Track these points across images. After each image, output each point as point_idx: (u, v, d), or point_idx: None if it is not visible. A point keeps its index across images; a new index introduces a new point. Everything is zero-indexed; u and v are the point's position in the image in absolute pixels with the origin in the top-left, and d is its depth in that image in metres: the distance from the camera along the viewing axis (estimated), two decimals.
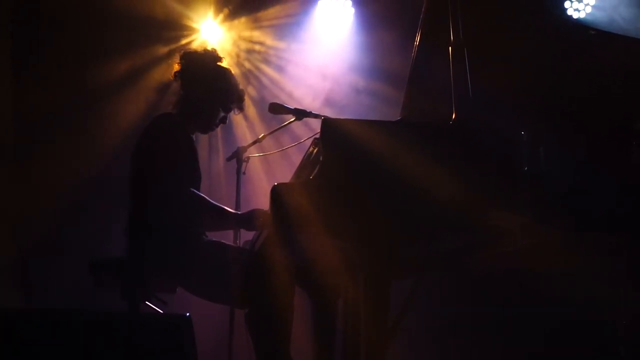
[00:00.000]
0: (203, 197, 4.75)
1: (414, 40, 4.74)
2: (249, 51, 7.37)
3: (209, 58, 4.92)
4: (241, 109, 5.04)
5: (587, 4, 7.26)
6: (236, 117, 5.95)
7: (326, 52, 7.40)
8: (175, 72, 4.90)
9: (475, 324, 6.30)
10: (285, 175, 5.29)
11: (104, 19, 6.95)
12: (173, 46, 6.98)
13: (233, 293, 4.58)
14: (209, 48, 5.11)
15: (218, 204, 4.78)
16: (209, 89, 4.83)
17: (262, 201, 4.79)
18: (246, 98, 5.17)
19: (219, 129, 5.22)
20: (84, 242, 6.38)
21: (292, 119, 5.07)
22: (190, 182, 4.74)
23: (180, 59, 4.91)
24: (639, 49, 4.91)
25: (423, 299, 5.30)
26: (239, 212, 4.90)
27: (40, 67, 6.85)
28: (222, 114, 4.91)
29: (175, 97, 4.95)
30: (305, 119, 4.98)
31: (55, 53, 6.91)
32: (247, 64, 7.31)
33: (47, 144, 6.79)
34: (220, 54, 4.98)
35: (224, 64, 4.95)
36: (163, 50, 7.00)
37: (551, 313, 5.92)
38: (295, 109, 4.98)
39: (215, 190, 6.37)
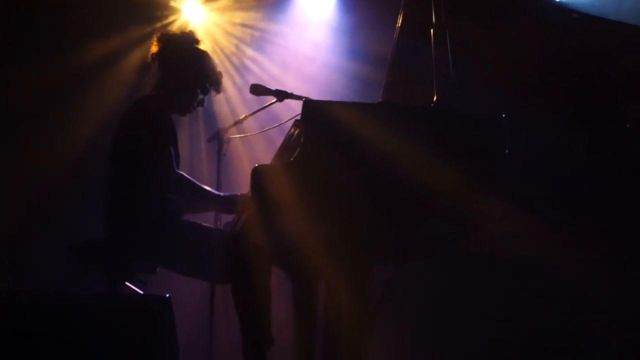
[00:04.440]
0: (190, 179, 4.86)
1: (396, 21, 4.71)
2: (231, 32, 7.34)
3: (187, 40, 4.92)
4: (219, 91, 5.04)
5: None
6: (217, 98, 5.93)
7: (308, 32, 7.42)
8: (153, 54, 4.90)
9: (460, 315, 6.28)
10: (266, 156, 5.28)
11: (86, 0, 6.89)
12: (155, 26, 6.94)
13: (213, 271, 4.64)
14: (187, 30, 5.10)
15: (203, 186, 4.89)
16: (187, 71, 4.84)
17: (243, 182, 4.78)
18: (227, 79, 5.14)
19: (200, 110, 5.19)
20: (67, 225, 6.34)
21: (274, 100, 5.04)
22: (176, 164, 4.78)
23: (158, 41, 4.91)
24: (621, 31, 4.89)
25: (406, 289, 5.34)
26: (222, 195, 4.92)
27: (20, 50, 6.79)
28: (200, 96, 4.92)
29: (154, 79, 4.95)
30: (286, 100, 4.94)
31: (35, 35, 6.86)
32: (229, 45, 7.29)
33: (30, 127, 6.76)
34: (200, 36, 4.99)
35: (202, 46, 4.95)
36: (145, 30, 6.97)
37: (538, 305, 5.88)
38: (277, 90, 4.94)
39: (196, 172, 6.34)
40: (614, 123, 4.60)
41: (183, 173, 4.87)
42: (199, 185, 4.89)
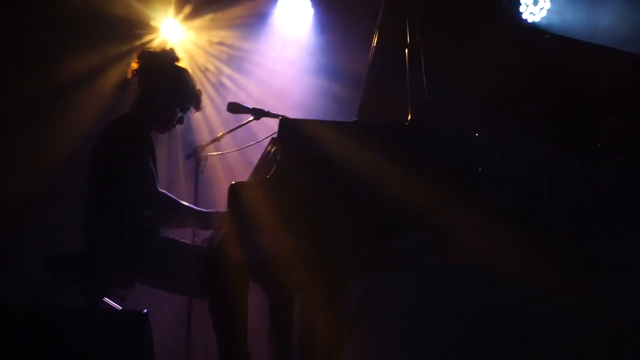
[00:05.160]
0: (170, 196, 4.85)
1: (371, 41, 4.75)
2: (209, 50, 7.35)
3: (167, 58, 4.90)
4: (198, 108, 5.01)
5: (542, 9, 7.33)
6: (195, 116, 5.94)
7: (285, 52, 7.44)
8: (133, 71, 4.87)
9: (434, 324, 6.30)
10: (243, 174, 5.30)
11: (67, 17, 6.90)
12: (134, 44, 6.95)
13: (190, 287, 4.65)
14: (167, 48, 5.10)
15: (183, 203, 4.89)
16: (167, 89, 4.82)
17: (220, 199, 4.80)
18: (205, 97, 5.16)
19: (178, 128, 5.19)
20: (45, 238, 6.32)
21: (251, 119, 5.05)
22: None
23: (138, 58, 4.88)
24: (591, 52, 4.96)
25: (381, 300, 5.37)
26: (202, 210, 4.92)
27: (3, 65, 6.78)
28: (179, 114, 4.90)
29: (133, 96, 4.93)
30: (263, 118, 4.97)
31: (18, 50, 6.86)
32: (206, 63, 7.30)
33: (10, 140, 6.76)
34: (179, 54, 4.97)
35: (182, 63, 4.93)
36: (124, 48, 6.96)
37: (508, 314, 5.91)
38: (254, 108, 4.96)
39: (174, 188, 6.35)
40: (585, 139, 4.66)
41: (164, 191, 4.87)
42: (179, 202, 4.87)
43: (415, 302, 6.36)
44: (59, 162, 6.59)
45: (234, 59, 7.37)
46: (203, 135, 6.70)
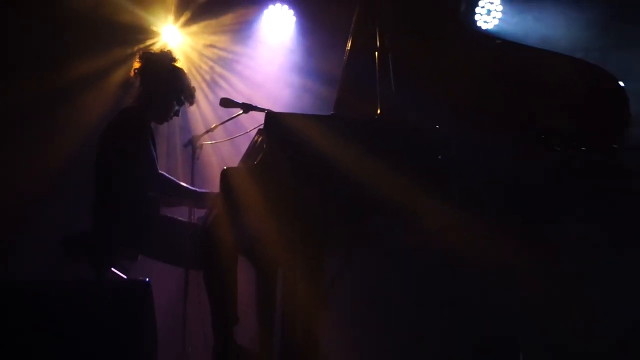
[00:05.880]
0: (170, 178, 4.91)
1: (345, 45, 4.72)
2: (204, 53, 7.33)
3: (166, 58, 4.93)
4: (192, 103, 5.07)
5: (494, 17, 7.34)
6: (191, 109, 5.92)
7: (270, 54, 7.46)
8: (135, 70, 4.90)
9: (402, 301, 6.27)
10: (233, 160, 5.26)
11: (75, 24, 6.85)
12: (136, 48, 6.89)
13: (187, 260, 4.67)
14: (166, 50, 5.11)
15: (181, 184, 4.93)
16: (165, 86, 4.86)
17: (213, 182, 4.77)
18: (200, 93, 5.14)
19: (176, 120, 5.18)
20: (58, 221, 6.27)
21: (240, 112, 5.05)
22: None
23: (140, 58, 4.92)
24: (536, 55, 4.95)
25: (354, 278, 5.37)
26: (198, 190, 4.93)
27: (13, 68, 6.75)
28: (175, 108, 4.94)
29: (136, 92, 4.96)
30: (251, 112, 4.95)
31: (28, 55, 6.82)
32: (202, 64, 7.28)
33: (24, 134, 6.74)
34: (177, 55, 5.01)
35: (179, 64, 4.97)
36: (127, 51, 6.91)
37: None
38: (243, 103, 4.96)
39: (172, 173, 6.26)
40: (532, 133, 4.65)
41: (164, 173, 4.87)
42: (177, 183, 4.90)
43: (383, 279, 6.32)
44: (69, 154, 6.55)
45: (226, 60, 7.36)
46: (198, 126, 6.66)
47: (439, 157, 4.26)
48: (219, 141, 5.68)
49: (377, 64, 4.37)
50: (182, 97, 4.91)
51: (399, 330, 6.14)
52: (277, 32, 7.45)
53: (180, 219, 4.89)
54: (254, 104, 4.93)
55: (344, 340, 5.68)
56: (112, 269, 4.71)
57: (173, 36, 7.18)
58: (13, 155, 6.65)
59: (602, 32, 7.12)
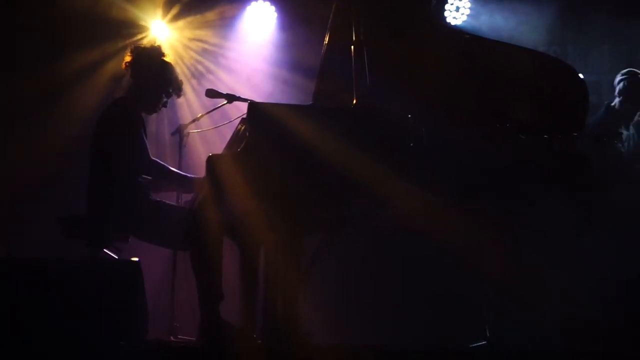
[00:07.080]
0: (161, 163, 4.92)
1: (323, 39, 4.76)
2: (190, 46, 7.35)
3: (156, 53, 4.93)
4: (179, 95, 5.08)
5: (463, 14, 7.42)
6: (179, 100, 5.91)
7: (253, 47, 7.49)
8: (127, 63, 4.91)
9: (376, 277, 6.32)
10: (218, 147, 5.29)
11: (66, 19, 6.87)
12: (127, 42, 6.91)
13: (175, 241, 4.70)
14: (156, 44, 5.11)
15: (171, 169, 4.95)
16: (155, 79, 4.86)
17: (199, 168, 4.79)
18: (187, 84, 5.15)
19: (165, 110, 5.19)
20: (55, 203, 6.29)
21: (225, 102, 5.07)
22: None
23: (131, 52, 4.92)
24: (503, 49, 5.00)
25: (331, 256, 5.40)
26: (186, 175, 4.94)
27: (9, 62, 6.79)
28: (164, 99, 4.94)
29: (127, 84, 4.99)
30: (235, 102, 4.97)
31: (27, 47, 6.86)
32: (188, 57, 7.30)
33: (23, 124, 6.82)
34: (165, 49, 5.02)
35: (168, 58, 4.97)
36: (118, 45, 6.93)
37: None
38: (227, 94, 4.98)
39: (161, 160, 6.27)
40: (500, 123, 4.70)
41: (155, 159, 4.90)
42: (168, 168, 4.91)
43: (359, 256, 6.36)
44: (65, 142, 6.56)
45: (211, 54, 7.39)
46: (185, 116, 6.68)
47: (411, 144, 4.32)
48: (205, 130, 5.71)
49: (353, 57, 4.42)
50: (171, 90, 4.92)
51: (380, 306, 6.21)
52: (259, 27, 7.48)
53: (169, 202, 4.93)
54: (237, 95, 4.96)
55: (327, 317, 5.77)
56: (105, 250, 4.73)
57: (161, 31, 7.21)
58: (13, 144, 6.74)
59: (562, 27, 7.24)
